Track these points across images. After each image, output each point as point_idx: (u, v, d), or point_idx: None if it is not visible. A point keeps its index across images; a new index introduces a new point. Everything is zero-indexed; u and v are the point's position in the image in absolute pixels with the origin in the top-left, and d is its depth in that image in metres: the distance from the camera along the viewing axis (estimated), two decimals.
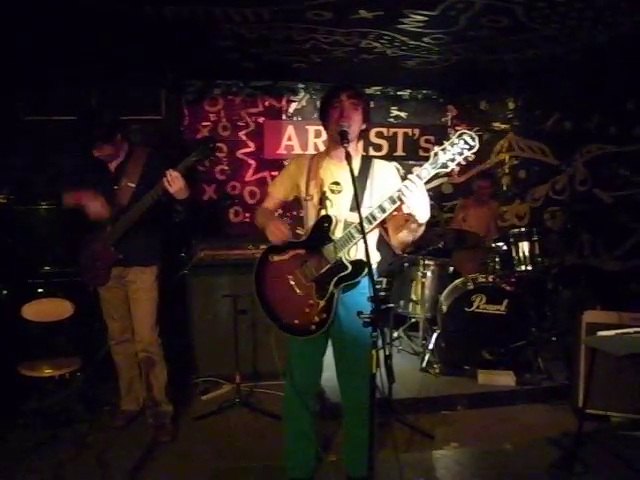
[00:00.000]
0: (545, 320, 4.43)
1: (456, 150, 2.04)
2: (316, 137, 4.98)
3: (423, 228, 2.19)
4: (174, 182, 2.73)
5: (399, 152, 5.26)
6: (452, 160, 2.05)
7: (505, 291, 3.95)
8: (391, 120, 5.23)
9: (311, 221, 2.35)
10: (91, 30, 3.29)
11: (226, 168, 4.92)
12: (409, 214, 2.07)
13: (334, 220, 2.25)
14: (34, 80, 4.28)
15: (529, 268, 4.08)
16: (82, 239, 3.13)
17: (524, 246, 4.11)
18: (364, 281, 2.26)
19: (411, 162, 5.21)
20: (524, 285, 4.19)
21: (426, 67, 4.27)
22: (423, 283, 4.24)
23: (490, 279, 4.03)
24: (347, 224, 2.26)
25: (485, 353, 3.93)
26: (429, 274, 4.31)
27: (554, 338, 4.32)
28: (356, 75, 4.48)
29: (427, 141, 5.27)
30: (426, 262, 4.29)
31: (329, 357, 2.49)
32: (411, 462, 2.92)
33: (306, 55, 3.97)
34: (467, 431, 3.35)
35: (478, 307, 3.93)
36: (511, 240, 4.13)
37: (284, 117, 5.00)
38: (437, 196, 5.33)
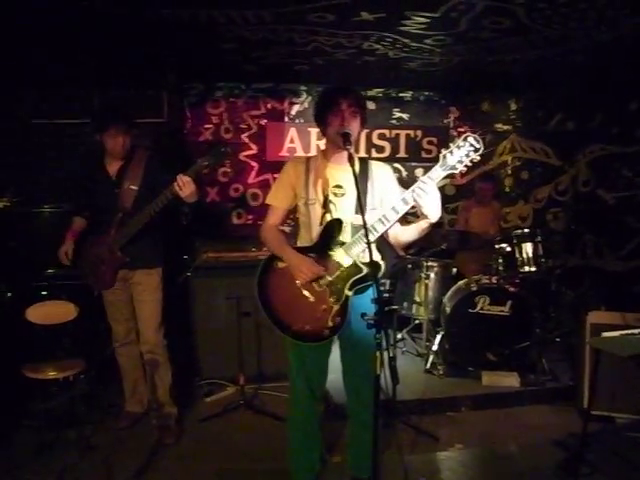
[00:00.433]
0: (549, 321, 4.42)
1: (463, 152, 2.11)
2: (318, 139, 4.98)
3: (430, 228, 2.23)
4: (185, 187, 2.73)
5: (401, 154, 5.25)
6: (460, 162, 2.12)
7: (509, 292, 3.94)
8: (393, 122, 5.23)
9: (315, 225, 2.34)
10: (93, 33, 3.30)
11: (229, 170, 4.93)
12: (422, 214, 2.14)
13: (344, 224, 2.26)
14: (37, 83, 4.30)
15: (533, 269, 4.07)
16: (83, 243, 3.15)
17: (527, 247, 4.10)
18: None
19: (414, 164, 5.20)
20: (528, 286, 4.18)
21: (428, 69, 4.28)
22: (426, 285, 4.24)
23: (494, 280, 4.02)
24: (353, 227, 2.27)
25: (489, 354, 3.92)
26: (432, 276, 4.30)
27: (558, 339, 4.31)
28: (358, 77, 4.49)
29: (429, 143, 5.24)
30: (429, 264, 4.28)
31: (333, 359, 2.49)
32: (415, 464, 2.91)
33: (308, 57, 3.97)
34: (471, 432, 3.35)
35: (482, 308, 3.92)
36: (514, 241, 4.13)
37: (286, 119, 5.01)
38: (440, 197, 5.31)
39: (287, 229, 3.68)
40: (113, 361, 3.33)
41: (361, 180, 2.28)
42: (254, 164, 4.98)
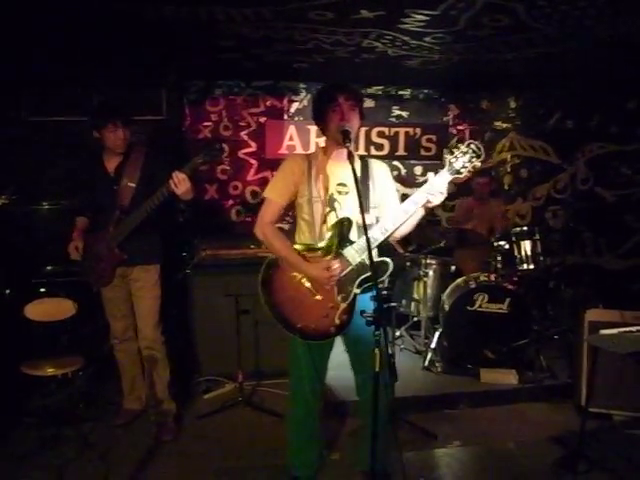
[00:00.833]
0: (547, 319, 4.44)
1: (467, 158, 2.23)
2: (318, 137, 4.98)
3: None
4: (181, 184, 2.74)
5: (400, 151, 5.24)
6: (464, 167, 2.23)
7: (507, 290, 3.95)
8: (393, 119, 5.23)
9: (318, 223, 2.32)
10: (92, 30, 3.29)
11: (228, 168, 4.92)
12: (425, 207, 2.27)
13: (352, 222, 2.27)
14: (36, 81, 4.29)
15: (531, 267, 4.07)
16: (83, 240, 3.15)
17: (526, 245, 4.10)
18: None
19: (413, 161, 5.20)
20: (526, 284, 4.19)
21: (427, 66, 4.27)
22: (425, 282, 4.24)
23: (492, 278, 4.03)
24: (358, 225, 2.27)
25: (487, 352, 3.93)
26: (431, 273, 4.31)
27: (556, 336, 4.32)
28: (357, 75, 4.48)
29: (429, 140, 5.24)
30: (428, 261, 4.29)
31: (333, 356, 2.50)
32: (413, 461, 2.92)
33: (308, 55, 3.97)
34: (469, 430, 3.35)
35: (480, 306, 3.93)
36: (513, 239, 4.13)
37: (285, 117, 5.01)
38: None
39: (286, 226, 3.69)
40: (111, 358, 3.33)
41: (363, 178, 2.30)
42: (253, 162, 4.97)
